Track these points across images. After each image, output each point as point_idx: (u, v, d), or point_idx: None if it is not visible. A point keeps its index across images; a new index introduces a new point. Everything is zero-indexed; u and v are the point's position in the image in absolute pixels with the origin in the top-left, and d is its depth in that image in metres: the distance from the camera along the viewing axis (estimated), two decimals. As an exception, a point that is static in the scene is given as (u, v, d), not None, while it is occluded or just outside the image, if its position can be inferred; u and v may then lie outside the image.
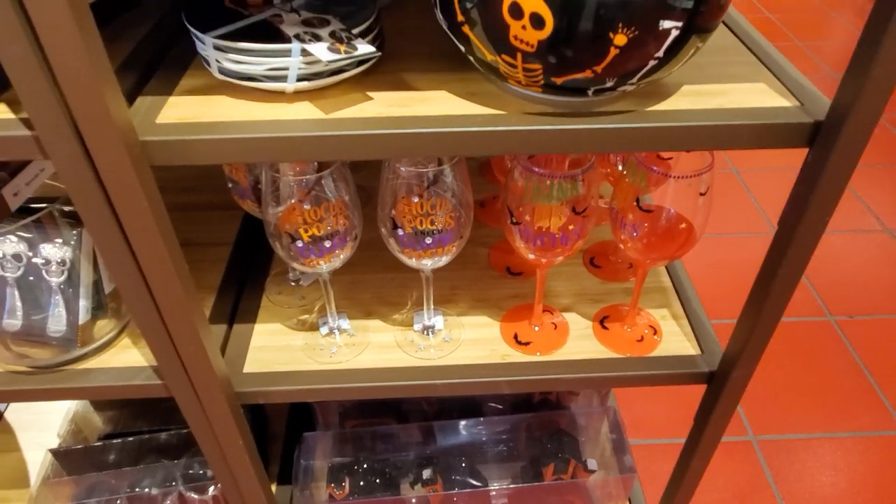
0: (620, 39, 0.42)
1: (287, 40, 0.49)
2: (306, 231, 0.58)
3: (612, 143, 0.49)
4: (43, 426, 1.12)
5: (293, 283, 0.79)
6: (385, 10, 0.64)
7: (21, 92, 0.43)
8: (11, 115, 0.46)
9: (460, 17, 0.46)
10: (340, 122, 0.49)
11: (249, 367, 0.70)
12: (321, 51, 0.47)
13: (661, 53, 0.44)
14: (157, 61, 0.58)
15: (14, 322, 0.64)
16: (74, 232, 0.64)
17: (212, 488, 0.89)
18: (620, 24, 0.42)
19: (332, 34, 0.50)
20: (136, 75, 0.54)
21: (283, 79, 0.49)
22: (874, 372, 1.48)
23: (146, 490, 0.88)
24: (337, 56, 0.47)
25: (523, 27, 0.43)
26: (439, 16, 0.49)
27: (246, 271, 0.83)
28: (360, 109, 0.50)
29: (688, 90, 0.52)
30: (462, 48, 0.50)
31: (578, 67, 0.45)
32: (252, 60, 0.49)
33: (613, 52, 0.43)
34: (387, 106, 0.50)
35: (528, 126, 0.48)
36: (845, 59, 0.46)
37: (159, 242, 0.52)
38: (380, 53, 0.52)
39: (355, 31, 0.51)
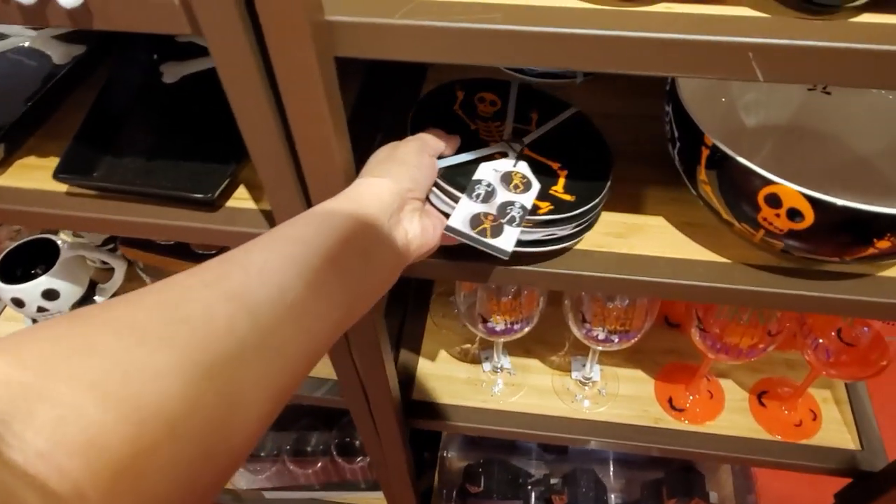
0: (884, 244, 0.40)
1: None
2: (500, 318, 0.61)
3: (839, 310, 0.48)
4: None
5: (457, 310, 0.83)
6: (585, 85, 0.62)
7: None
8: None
9: (702, 177, 0.45)
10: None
11: (417, 394, 0.77)
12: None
13: (920, 249, 0.42)
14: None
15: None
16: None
17: (360, 458, 1.01)
18: (889, 234, 0.40)
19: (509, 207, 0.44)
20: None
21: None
22: None
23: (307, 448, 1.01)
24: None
25: (777, 215, 0.42)
26: (674, 154, 0.48)
27: (409, 288, 0.87)
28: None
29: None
30: (692, 191, 0.48)
31: (827, 255, 0.43)
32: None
33: (872, 251, 0.41)
34: (603, 235, 0.51)
35: (754, 287, 0.47)
36: None
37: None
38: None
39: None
